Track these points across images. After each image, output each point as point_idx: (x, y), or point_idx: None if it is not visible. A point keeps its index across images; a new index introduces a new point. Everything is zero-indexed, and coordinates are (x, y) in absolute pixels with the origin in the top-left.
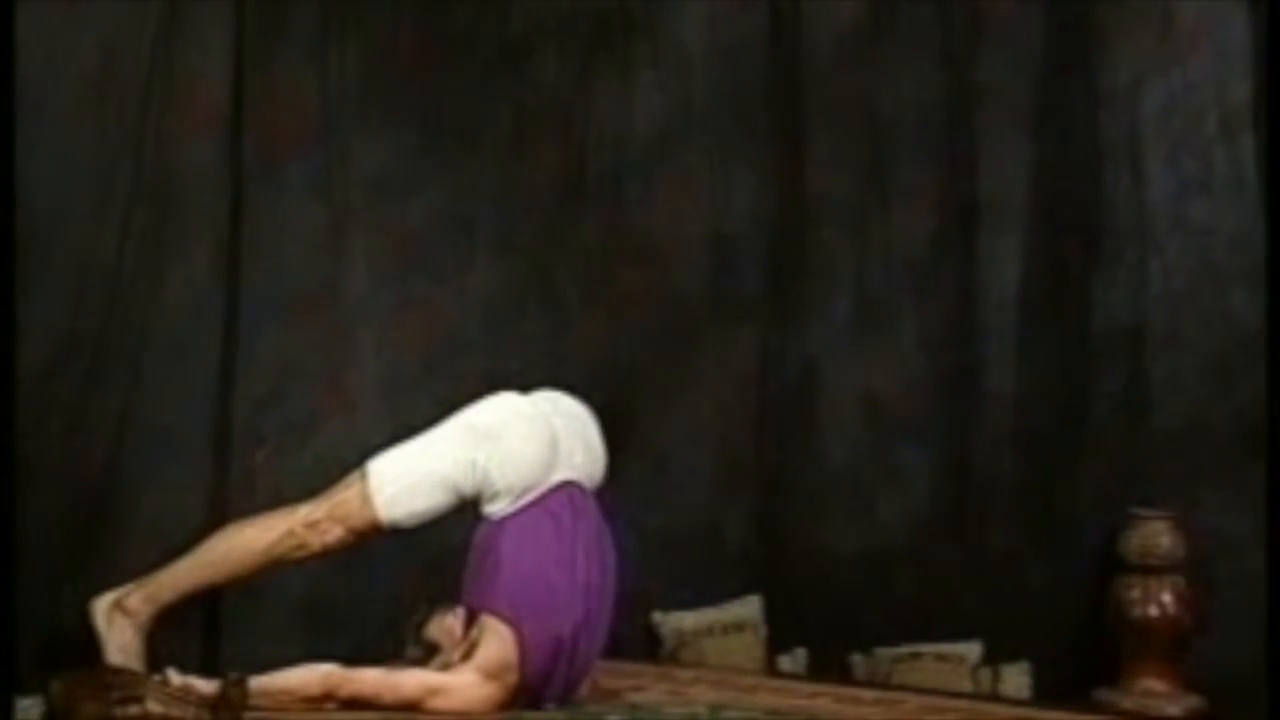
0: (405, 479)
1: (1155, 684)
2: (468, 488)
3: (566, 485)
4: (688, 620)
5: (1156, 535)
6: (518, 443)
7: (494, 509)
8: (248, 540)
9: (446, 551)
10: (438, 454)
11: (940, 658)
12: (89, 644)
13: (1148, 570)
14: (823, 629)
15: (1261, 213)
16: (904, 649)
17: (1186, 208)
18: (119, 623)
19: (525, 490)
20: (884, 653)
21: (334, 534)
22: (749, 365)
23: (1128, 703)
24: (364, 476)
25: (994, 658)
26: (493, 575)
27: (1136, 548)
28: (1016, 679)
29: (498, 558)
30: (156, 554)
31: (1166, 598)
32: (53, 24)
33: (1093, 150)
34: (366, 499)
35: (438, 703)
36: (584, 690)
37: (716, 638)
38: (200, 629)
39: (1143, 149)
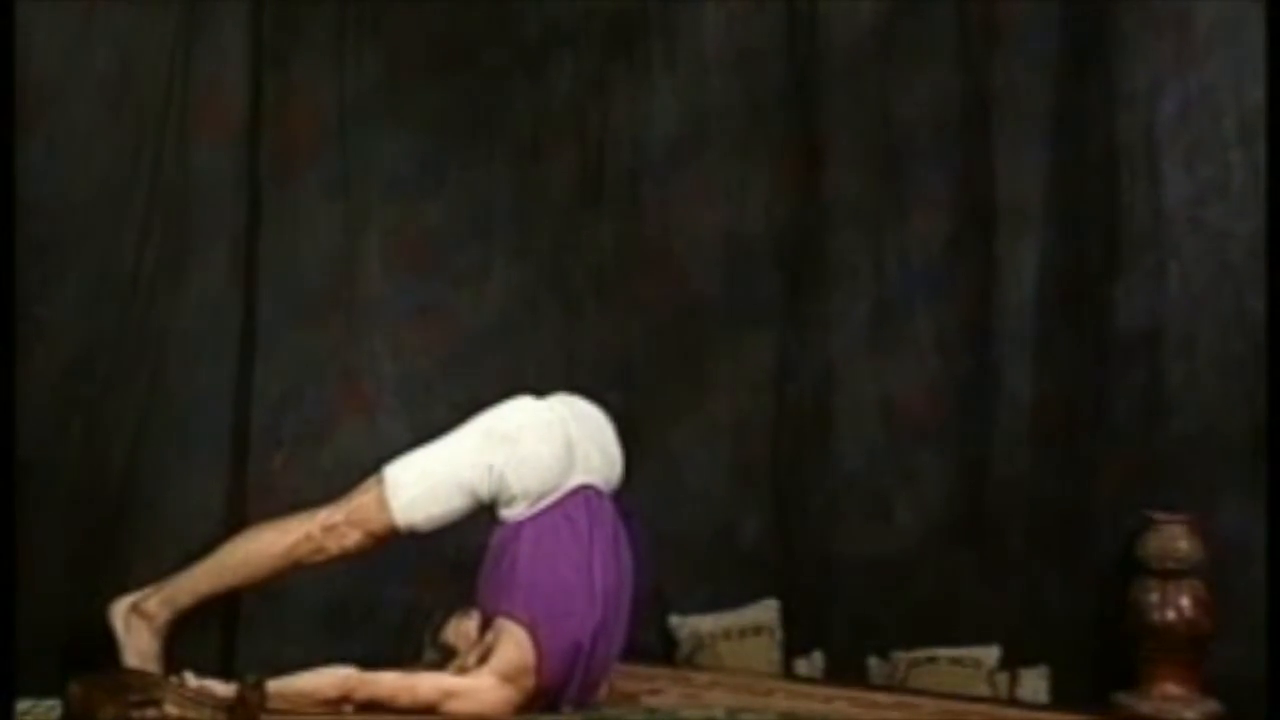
0: (422, 483)
1: (1173, 688)
2: (484, 492)
3: (583, 489)
4: (705, 624)
5: (1175, 539)
6: (534, 447)
7: (510, 513)
8: (266, 544)
9: (464, 555)
10: (454, 458)
11: (957, 661)
12: (108, 646)
13: (1166, 574)
14: (839, 633)
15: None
16: (921, 653)
17: (1204, 211)
18: (136, 626)
19: (541, 495)
20: (901, 656)
21: (351, 538)
22: (765, 369)
23: (1145, 707)
24: (381, 481)
25: (1012, 662)
26: (509, 579)
27: (1155, 551)
28: (1034, 683)
29: (514, 561)
30: (175, 556)
31: (1184, 601)
32: (71, 29)
33: (1110, 153)
34: (384, 503)
35: (454, 705)
36: (601, 693)
37: (733, 641)
38: (218, 631)
39: (1160, 152)
